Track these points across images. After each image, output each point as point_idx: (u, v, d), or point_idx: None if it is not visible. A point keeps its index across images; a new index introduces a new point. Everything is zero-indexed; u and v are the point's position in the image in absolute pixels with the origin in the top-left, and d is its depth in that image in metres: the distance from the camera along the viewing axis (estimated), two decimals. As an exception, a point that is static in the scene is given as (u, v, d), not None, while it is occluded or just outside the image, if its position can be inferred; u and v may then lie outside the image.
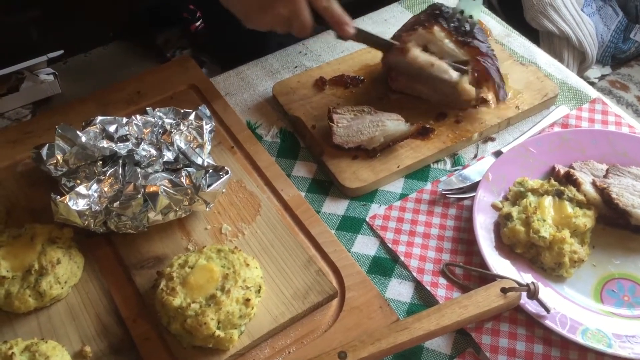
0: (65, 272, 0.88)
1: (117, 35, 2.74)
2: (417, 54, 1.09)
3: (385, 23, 1.39)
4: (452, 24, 1.12)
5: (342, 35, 1.08)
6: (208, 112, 1.02)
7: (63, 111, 1.17)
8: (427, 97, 1.15)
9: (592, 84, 2.37)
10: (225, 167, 0.94)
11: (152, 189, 0.88)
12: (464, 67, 1.10)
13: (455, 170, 1.08)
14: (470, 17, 1.13)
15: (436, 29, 1.11)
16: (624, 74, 2.43)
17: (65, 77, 2.46)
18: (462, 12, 1.13)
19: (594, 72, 2.42)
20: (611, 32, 2.39)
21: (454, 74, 1.09)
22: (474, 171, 1.06)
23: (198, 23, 2.59)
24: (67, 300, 0.89)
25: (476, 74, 1.10)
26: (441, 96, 1.13)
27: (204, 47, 2.54)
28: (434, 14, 1.13)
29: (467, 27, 1.12)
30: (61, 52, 2.40)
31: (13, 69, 2.29)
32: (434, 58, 1.09)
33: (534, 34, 2.27)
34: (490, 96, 1.12)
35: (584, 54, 2.24)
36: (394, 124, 1.06)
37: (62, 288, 0.87)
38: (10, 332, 0.85)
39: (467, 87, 1.10)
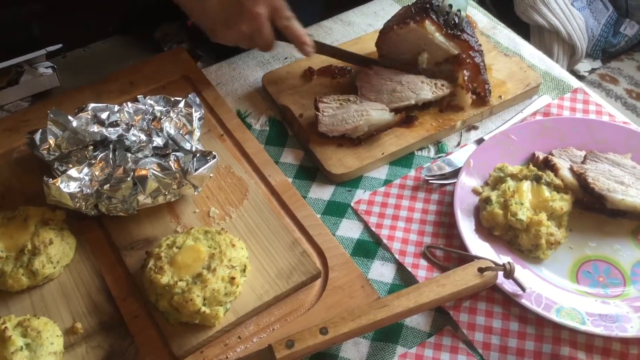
0: (57, 252, 0.91)
1: (116, 29, 2.76)
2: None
3: (374, 15, 1.41)
4: (442, 18, 1.15)
5: (302, 54, 1.15)
6: (198, 100, 1.05)
7: (58, 100, 1.20)
8: None
9: (582, 77, 2.40)
10: (213, 152, 0.97)
11: (142, 172, 0.92)
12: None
13: (439, 157, 1.11)
14: (459, 11, 1.16)
15: (427, 23, 1.14)
16: (614, 67, 2.45)
17: (64, 71, 2.48)
18: (450, 5, 1.16)
19: (584, 66, 2.45)
20: (601, 26, 2.41)
21: (422, 91, 1.14)
22: (456, 158, 1.08)
23: (195, 18, 2.61)
24: (59, 280, 0.92)
25: (467, 73, 1.13)
26: None
27: (201, 41, 2.57)
28: (424, 8, 1.15)
29: (456, 20, 1.15)
30: (60, 46, 2.43)
31: (12, 62, 2.31)
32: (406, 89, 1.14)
33: (524, 28, 2.30)
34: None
35: (573, 48, 2.27)
36: (378, 113, 1.09)
37: (55, 268, 0.90)
38: (4, 310, 0.89)
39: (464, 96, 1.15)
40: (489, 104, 1.15)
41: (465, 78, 1.13)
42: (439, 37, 1.14)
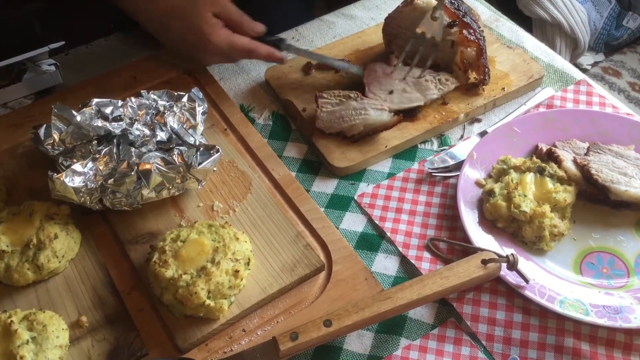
0: (62, 246, 0.91)
1: (118, 26, 2.76)
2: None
3: (376, 9, 1.41)
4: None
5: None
6: (201, 95, 1.05)
7: (62, 96, 1.21)
8: None
9: (584, 70, 2.39)
10: (216, 146, 0.97)
11: (145, 166, 0.92)
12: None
13: (442, 150, 1.11)
14: None
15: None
16: (616, 60, 2.45)
17: (66, 68, 2.48)
18: None
19: (587, 59, 2.44)
20: (604, 19, 2.41)
21: (429, 91, 1.13)
22: (459, 151, 1.08)
23: (197, 14, 2.61)
24: (64, 274, 0.93)
25: (470, 50, 1.13)
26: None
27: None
28: None
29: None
30: (62, 43, 2.43)
31: (15, 59, 2.31)
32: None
33: (526, 22, 2.29)
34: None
35: (576, 41, 2.26)
36: (376, 113, 1.07)
37: (60, 262, 0.91)
38: (10, 304, 0.89)
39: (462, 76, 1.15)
40: (483, 89, 1.15)
41: (465, 58, 1.13)
42: (441, 14, 1.13)
